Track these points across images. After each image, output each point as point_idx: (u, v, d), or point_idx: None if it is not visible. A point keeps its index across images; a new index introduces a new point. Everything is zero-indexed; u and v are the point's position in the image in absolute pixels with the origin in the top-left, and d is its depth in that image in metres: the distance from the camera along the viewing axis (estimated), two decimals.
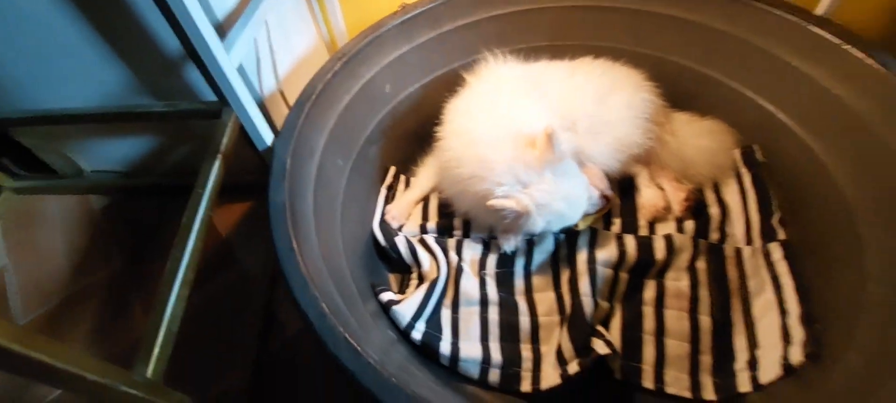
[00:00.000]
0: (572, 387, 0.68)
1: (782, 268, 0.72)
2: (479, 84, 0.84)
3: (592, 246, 0.80)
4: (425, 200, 0.93)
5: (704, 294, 0.75)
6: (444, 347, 0.73)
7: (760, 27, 0.81)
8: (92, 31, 0.83)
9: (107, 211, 1.16)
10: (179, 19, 0.64)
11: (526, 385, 0.71)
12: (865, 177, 0.69)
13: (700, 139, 0.86)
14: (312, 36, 1.08)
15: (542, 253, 0.83)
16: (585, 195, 0.76)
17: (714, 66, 0.88)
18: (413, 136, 0.95)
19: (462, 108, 0.81)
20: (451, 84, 0.88)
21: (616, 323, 0.75)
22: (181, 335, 0.61)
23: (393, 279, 0.86)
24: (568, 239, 0.83)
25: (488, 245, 0.86)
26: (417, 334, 0.73)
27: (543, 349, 0.75)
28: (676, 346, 0.71)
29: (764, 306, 0.71)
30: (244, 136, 0.82)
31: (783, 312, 0.69)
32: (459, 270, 0.81)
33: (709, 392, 0.68)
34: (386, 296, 0.75)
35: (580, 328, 0.71)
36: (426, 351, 0.73)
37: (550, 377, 0.69)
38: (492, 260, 0.84)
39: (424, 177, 0.92)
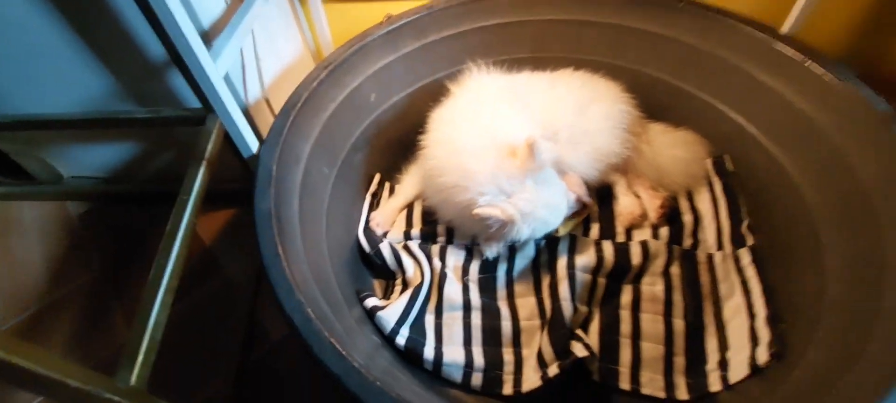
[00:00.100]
0: (552, 389, 0.69)
1: (751, 273, 0.76)
2: (463, 94, 0.86)
3: (572, 252, 0.82)
4: (409, 207, 0.94)
5: (678, 298, 0.78)
6: (428, 352, 0.74)
7: (730, 43, 0.85)
8: (73, 36, 0.82)
9: (85, 218, 1.15)
10: (166, 28, 0.64)
11: (508, 388, 0.73)
12: (825, 185, 0.73)
13: (674, 149, 0.90)
14: (298, 44, 1.09)
15: (523, 259, 0.85)
16: (565, 201, 0.79)
17: (687, 79, 0.92)
18: (398, 144, 0.97)
19: (446, 118, 0.83)
20: (435, 93, 0.90)
21: (594, 326, 0.77)
22: (165, 343, 0.61)
23: (377, 285, 0.87)
24: (548, 245, 0.85)
25: (471, 251, 0.87)
26: (401, 339, 0.74)
27: (525, 352, 0.76)
28: (651, 349, 0.74)
29: (734, 309, 0.75)
30: (228, 144, 0.83)
31: (751, 315, 0.73)
32: (443, 276, 0.82)
33: (682, 392, 0.71)
34: (370, 302, 0.76)
35: (560, 331, 0.73)
36: (410, 356, 0.74)
37: (531, 379, 0.71)
38: (475, 266, 0.85)
39: (409, 184, 0.94)
